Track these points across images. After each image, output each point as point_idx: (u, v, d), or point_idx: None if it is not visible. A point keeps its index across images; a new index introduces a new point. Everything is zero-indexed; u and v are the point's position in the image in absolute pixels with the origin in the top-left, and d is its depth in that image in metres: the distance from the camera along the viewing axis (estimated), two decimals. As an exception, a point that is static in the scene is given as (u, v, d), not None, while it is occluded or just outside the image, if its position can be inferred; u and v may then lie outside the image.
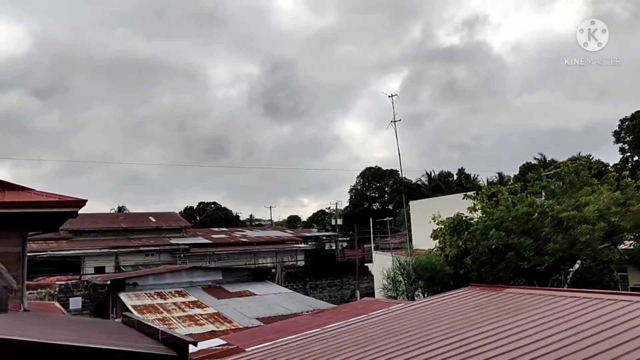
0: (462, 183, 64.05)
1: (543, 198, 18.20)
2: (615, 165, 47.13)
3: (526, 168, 57.11)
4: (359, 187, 69.84)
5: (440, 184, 61.86)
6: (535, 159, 59.21)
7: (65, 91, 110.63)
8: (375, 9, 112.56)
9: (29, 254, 12.69)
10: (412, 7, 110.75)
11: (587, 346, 6.58)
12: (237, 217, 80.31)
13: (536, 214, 15.53)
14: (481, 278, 15.72)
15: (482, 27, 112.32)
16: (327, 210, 76.35)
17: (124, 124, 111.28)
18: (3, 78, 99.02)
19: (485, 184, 54.66)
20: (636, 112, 47.03)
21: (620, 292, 12.01)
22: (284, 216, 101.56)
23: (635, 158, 47.38)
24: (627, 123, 47.54)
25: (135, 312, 16.28)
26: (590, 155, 37.64)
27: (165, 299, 20.21)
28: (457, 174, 68.32)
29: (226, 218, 71.93)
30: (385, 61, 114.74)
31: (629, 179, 16.75)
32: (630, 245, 16.20)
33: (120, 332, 9.87)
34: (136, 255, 37.40)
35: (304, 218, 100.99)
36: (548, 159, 56.53)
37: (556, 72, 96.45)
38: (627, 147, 47.62)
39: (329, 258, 47.95)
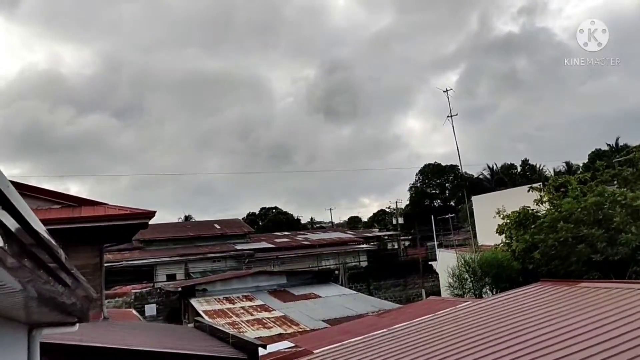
0: (526, 175, 61.68)
1: (615, 186, 17.26)
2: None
3: (596, 155, 54.28)
4: (418, 185, 68.81)
5: (503, 177, 59.86)
6: (607, 144, 56.19)
7: (141, 110, 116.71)
8: (431, 5, 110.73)
9: (105, 265, 13.47)
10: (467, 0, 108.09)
11: (671, 341, 6.25)
12: (299, 220, 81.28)
13: (607, 204, 14.77)
14: (551, 273, 15.14)
15: (542, 13, 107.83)
16: (387, 210, 75.82)
17: (193, 137, 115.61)
18: (83, 100, 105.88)
19: (552, 175, 52.35)
20: None
21: None
22: (344, 218, 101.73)
23: None
24: None
25: (206, 317, 16.85)
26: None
27: (233, 304, 20.79)
28: (520, 166, 65.89)
29: (287, 222, 72.96)
30: (443, 56, 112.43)
31: None
32: None
33: (193, 336, 10.29)
34: (204, 262, 38.66)
35: (365, 218, 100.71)
36: (621, 144, 53.44)
37: (624, 54, 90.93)
38: None
39: (391, 258, 47.59)
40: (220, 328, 10.27)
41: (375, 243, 52.73)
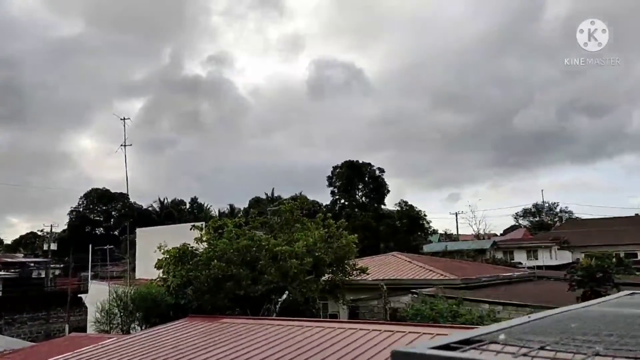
0: (194, 212, 64.49)
1: (263, 232, 19.73)
2: (326, 205, 54.24)
3: (255, 202, 60.99)
4: (81, 209, 63.54)
5: (172, 212, 61.04)
6: (265, 193, 63.72)
7: None
8: (128, 27, 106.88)
9: None
10: (166, 32, 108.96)
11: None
12: None
13: (255, 247, 16.74)
14: (202, 308, 16.03)
15: (229, 67, 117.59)
16: (39, 233, 67.25)
17: None
18: None
19: (216, 215, 56.21)
20: (345, 162, 55.37)
21: (318, 319, 13.78)
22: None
23: (342, 200, 55.41)
24: (337, 170, 55.45)
25: None
26: (303, 195, 42.40)
27: None
28: (190, 203, 68.55)
29: None
30: (131, 82, 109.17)
31: (331, 220, 19.54)
32: (328, 277, 18.76)
33: None
34: None
35: (9, 241, 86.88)
36: (276, 194, 61.47)
37: (287, 120, 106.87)
38: (336, 191, 55.38)
39: (35, 288, 42.04)
40: None
41: (17, 270, 45.81)
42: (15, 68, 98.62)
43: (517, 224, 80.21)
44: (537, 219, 79.95)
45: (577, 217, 73.07)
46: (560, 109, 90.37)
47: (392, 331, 9.33)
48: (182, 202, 67.48)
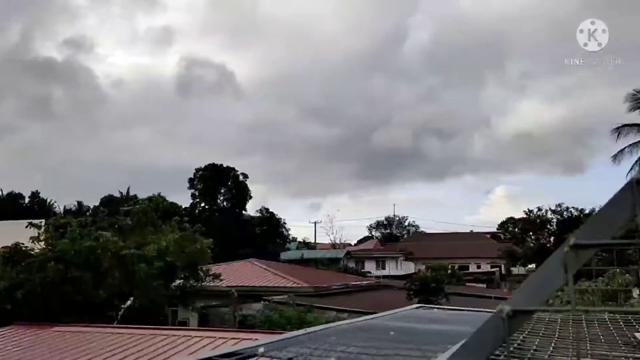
0: (34, 208, 58.21)
1: (111, 234, 18.49)
2: (185, 208, 52.53)
3: (107, 200, 56.82)
4: None
5: (7, 207, 54.48)
6: (119, 192, 59.76)
7: None
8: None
9: None
10: (14, 7, 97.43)
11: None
12: None
13: (100, 249, 15.62)
14: (34, 313, 14.49)
15: (88, 52, 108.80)
16: None
17: None
18: None
19: (61, 212, 51.35)
20: (209, 164, 54.26)
21: (162, 327, 13.20)
22: None
23: (203, 204, 54.12)
24: (200, 172, 54.13)
25: None
26: (162, 197, 40.43)
27: None
28: (30, 197, 61.80)
29: None
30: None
31: (187, 224, 19.00)
32: (179, 283, 18.13)
33: None
34: None
35: None
36: (132, 193, 57.88)
37: (151, 115, 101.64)
38: (197, 194, 53.96)
39: None
40: None
41: None
42: None
43: (370, 235, 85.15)
44: (388, 231, 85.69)
45: (422, 231, 79.67)
46: (415, 130, 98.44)
47: (201, 337, 9.31)
48: (20, 196, 60.56)
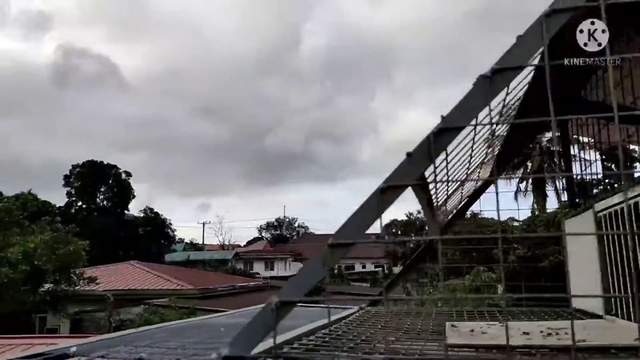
0: None
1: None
2: (60, 207, 48.55)
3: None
4: None
5: None
6: (-21, 188, 53.63)
7: None
8: None
9: None
10: None
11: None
12: None
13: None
14: None
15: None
16: None
17: None
18: None
19: None
20: (87, 161, 50.68)
21: (24, 335, 12.06)
22: None
23: (80, 203, 50.38)
24: (77, 169, 50.36)
25: None
26: (32, 195, 37.03)
27: None
28: None
29: None
30: None
31: (60, 225, 17.60)
32: (49, 287, 16.73)
33: None
34: None
35: None
36: (-2, 190, 52.26)
37: (21, 104, 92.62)
38: (73, 192, 50.12)
39: None
40: None
41: None
42: None
43: (260, 236, 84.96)
44: (278, 232, 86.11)
45: (312, 232, 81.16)
46: (307, 134, 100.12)
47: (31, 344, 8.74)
48: None
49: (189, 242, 72.79)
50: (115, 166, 51.42)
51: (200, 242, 70.02)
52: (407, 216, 68.27)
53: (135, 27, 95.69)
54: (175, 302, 16.80)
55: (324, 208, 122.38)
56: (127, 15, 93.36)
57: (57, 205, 49.10)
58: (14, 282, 14.06)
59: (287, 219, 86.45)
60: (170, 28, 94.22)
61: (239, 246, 72.60)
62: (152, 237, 49.95)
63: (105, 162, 51.22)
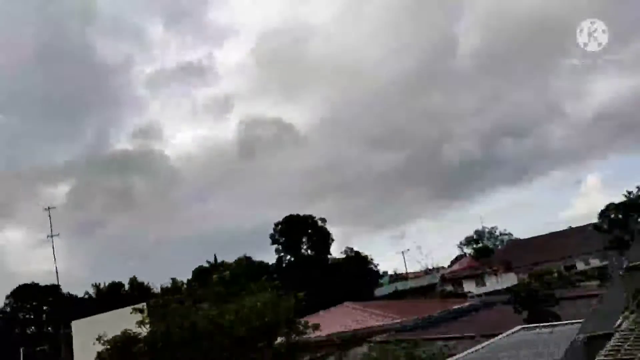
0: (134, 294, 61.20)
1: (208, 304, 18.86)
2: (272, 264, 53.29)
3: (199, 272, 58.77)
4: (8, 310, 58.68)
5: (110, 297, 57.68)
6: (207, 261, 61.72)
7: None
8: (50, 112, 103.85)
9: None
10: (88, 110, 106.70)
11: None
12: None
13: (200, 323, 15.92)
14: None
15: (157, 137, 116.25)
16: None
17: None
18: None
19: (159, 291, 53.63)
20: (286, 217, 55.08)
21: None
22: None
23: (288, 257, 54.69)
24: (279, 226, 54.97)
25: None
26: (248, 258, 41.27)
27: None
28: (129, 284, 65.12)
29: None
30: (55, 166, 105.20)
31: (277, 281, 19.07)
32: (281, 340, 18.03)
33: None
34: None
35: None
36: (220, 260, 59.56)
37: (221, 183, 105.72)
38: (281, 248, 54.69)
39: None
40: None
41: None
42: None
43: (462, 253, 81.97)
44: (480, 245, 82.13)
45: (517, 238, 75.72)
46: (483, 137, 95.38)
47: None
48: (120, 285, 63.99)
49: (392, 273, 73.49)
50: (310, 216, 54.98)
51: (403, 271, 70.18)
52: (626, 196, 59.57)
53: (297, 84, 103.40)
54: (395, 337, 16.79)
55: (524, 209, 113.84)
56: (289, 75, 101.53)
57: (270, 263, 54.06)
58: (252, 340, 15.49)
59: (486, 230, 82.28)
60: (328, 74, 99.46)
61: (443, 268, 70.99)
62: (357, 276, 51.57)
63: (301, 214, 55.09)
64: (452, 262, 76.68)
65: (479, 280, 55.24)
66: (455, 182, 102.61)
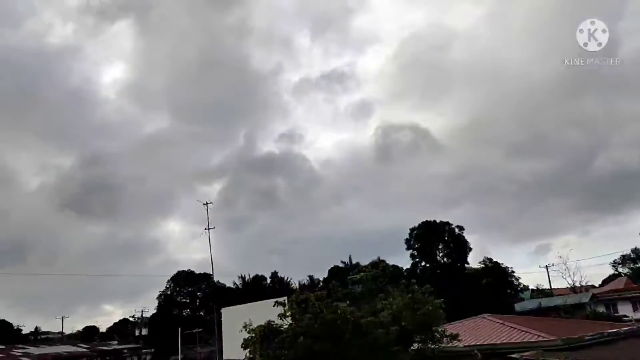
0: (275, 287, 64.94)
1: (347, 304, 19.44)
2: (407, 269, 52.90)
3: (334, 271, 60.61)
4: (169, 292, 65.86)
5: (255, 288, 61.87)
6: (342, 262, 63.28)
7: None
8: (207, 117, 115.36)
9: None
10: (240, 116, 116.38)
11: None
12: (19, 330, 69.00)
13: (339, 321, 16.48)
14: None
15: (299, 142, 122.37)
16: (131, 319, 69.95)
17: None
18: None
19: (297, 288, 56.24)
20: (422, 222, 54.35)
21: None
22: (79, 327, 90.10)
23: (423, 263, 53.87)
24: (415, 232, 54.38)
25: None
26: (383, 261, 41.49)
27: None
28: (270, 278, 69.23)
29: (3, 332, 61.19)
30: (210, 166, 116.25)
31: (415, 286, 18.99)
32: (418, 346, 17.97)
33: None
34: None
35: (104, 329, 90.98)
36: (354, 261, 60.79)
37: (358, 186, 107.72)
38: (416, 253, 54.06)
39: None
40: None
41: (112, 358, 47.56)
42: (109, 165, 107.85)
43: (616, 272, 73.77)
44: (639, 265, 73.19)
45: (685, 259, 66.42)
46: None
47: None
48: (263, 278, 68.29)
49: (534, 288, 68.67)
50: (447, 223, 53.61)
51: (547, 287, 65.16)
52: None
53: (435, 89, 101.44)
54: (541, 356, 15.79)
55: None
56: (427, 81, 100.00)
57: (404, 268, 53.74)
58: (388, 343, 15.67)
59: (648, 249, 72.89)
60: (467, 78, 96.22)
61: (593, 287, 64.60)
62: (496, 288, 49.08)
63: (437, 221, 53.96)
64: (605, 282, 69.37)
65: (637, 304, 49.33)
66: (609, 194, 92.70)
